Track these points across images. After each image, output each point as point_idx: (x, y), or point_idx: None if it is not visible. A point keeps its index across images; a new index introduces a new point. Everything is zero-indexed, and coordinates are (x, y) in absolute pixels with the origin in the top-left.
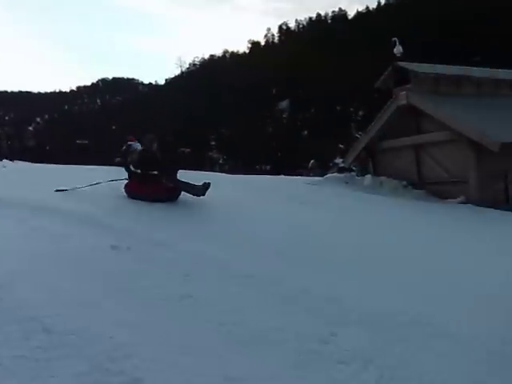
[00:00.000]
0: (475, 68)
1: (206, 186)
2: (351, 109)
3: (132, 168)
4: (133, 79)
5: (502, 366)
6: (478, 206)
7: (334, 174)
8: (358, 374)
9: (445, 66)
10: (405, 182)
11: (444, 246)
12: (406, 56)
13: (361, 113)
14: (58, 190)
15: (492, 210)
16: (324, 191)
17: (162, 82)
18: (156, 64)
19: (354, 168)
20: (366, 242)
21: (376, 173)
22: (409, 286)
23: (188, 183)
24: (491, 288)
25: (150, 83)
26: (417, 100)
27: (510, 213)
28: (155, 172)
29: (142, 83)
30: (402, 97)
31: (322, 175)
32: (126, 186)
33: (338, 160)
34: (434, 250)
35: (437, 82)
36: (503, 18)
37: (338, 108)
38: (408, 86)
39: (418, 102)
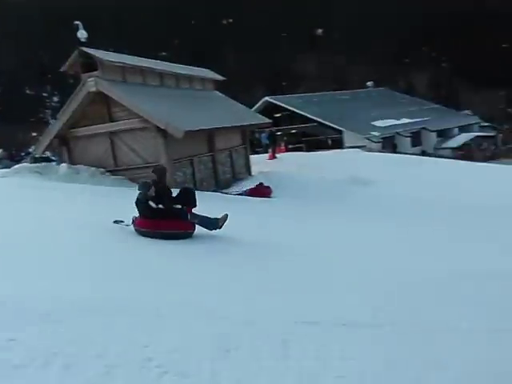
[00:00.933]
0: (159, 61)
1: (225, 218)
2: (44, 94)
3: (153, 205)
4: None
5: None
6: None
7: (24, 165)
8: (40, 370)
9: (131, 56)
10: (102, 169)
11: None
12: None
13: (56, 98)
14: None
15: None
16: (12, 183)
17: None
18: None
19: (53, 157)
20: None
21: (72, 161)
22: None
23: (205, 216)
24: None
25: None
26: (106, 87)
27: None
28: (179, 206)
29: None
30: (91, 83)
31: (11, 166)
32: (138, 223)
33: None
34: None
35: (124, 71)
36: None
37: (28, 92)
38: (96, 72)
39: (107, 90)
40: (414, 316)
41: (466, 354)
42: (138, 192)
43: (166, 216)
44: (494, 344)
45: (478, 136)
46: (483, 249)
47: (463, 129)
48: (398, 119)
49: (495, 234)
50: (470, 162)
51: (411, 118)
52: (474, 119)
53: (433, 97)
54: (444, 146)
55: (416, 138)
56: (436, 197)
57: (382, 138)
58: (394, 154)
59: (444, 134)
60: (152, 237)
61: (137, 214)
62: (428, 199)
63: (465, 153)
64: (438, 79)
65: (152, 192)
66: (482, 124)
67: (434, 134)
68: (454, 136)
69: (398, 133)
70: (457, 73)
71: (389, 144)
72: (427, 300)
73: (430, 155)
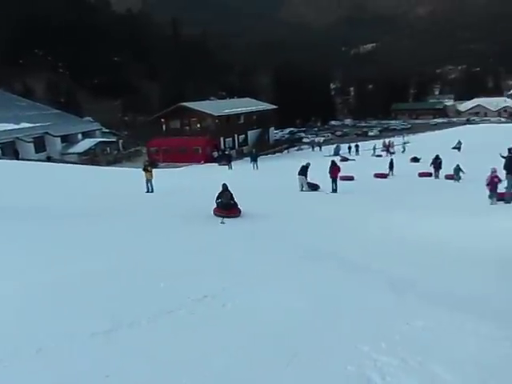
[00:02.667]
0: None
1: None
2: None
3: (232, 202)
4: None
5: None
6: None
7: None
8: None
9: None
10: None
11: None
12: None
13: None
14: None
15: None
16: None
17: None
18: None
19: None
20: None
21: None
22: None
23: None
24: None
25: None
26: None
27: None
28: (233, 202)
29: None
30: None
31: None
32: (221, 211)
33: None
34: None
35: None
36: None
37: None
38: None
39: None
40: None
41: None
42: (221, 197)
43: (233, 207)
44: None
45: (101, 141)
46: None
47: (87, 135)
48: (18, 123)
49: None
50: (95, 167)
51: (32, 123)
52: (96, 125)
53: (53, 102)
54: (70, 151)
55: (39, 144)
56: (65, 201)
57: (1, 144)
58: (16, 161)
59: (68, 140)
60: (225, 217)
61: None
62: (53, 204)
63: (90, 157)
64: (56, 84)
65: (228, 197)
66: (104, 130)
67: (58, 140)
68: (78, 141)
69: (18, 138)
70: (76, 80)
71: (10, 150)
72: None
73: (56, 161)
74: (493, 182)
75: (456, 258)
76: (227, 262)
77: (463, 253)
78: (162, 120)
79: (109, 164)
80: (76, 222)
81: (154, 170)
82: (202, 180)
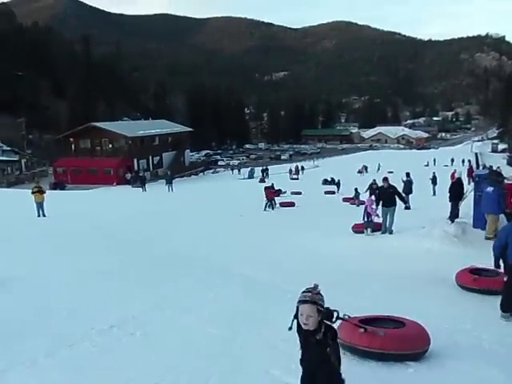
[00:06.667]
0: None
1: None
2: None
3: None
4: None
5: None
6: None
7: None
8: None
9: None
10: None
11: None
12: None
13: None
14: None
15: None
16: None
17: None
18: None
19: None
20: None
21: None
22: None
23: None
24: None
25: None
26: None
27: None
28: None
29: None
30: None
31: None
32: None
33: None
34: None
35: None
36: None
37: None
38: None
39: None
40: None
41: None
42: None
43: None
44: None
45: (1, 161)
46: None
47: None
48: None
49: None
50: None
51: None
52: None
53: None
54: None
55: None
56: None
57: None
58: None
59: None
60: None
61: None
62: None
63: None
64: None
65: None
66: (5, 148)
67: None
68: None
69: None
70: None
71: None
72: None
73: None
74: (367, 213)
75: (356, 274)
76: (136, 288)
77: (360, 269)
78: (71, 139)
79: (10, 185)
80: None
81: (63, 191)
82: (106, 203)
